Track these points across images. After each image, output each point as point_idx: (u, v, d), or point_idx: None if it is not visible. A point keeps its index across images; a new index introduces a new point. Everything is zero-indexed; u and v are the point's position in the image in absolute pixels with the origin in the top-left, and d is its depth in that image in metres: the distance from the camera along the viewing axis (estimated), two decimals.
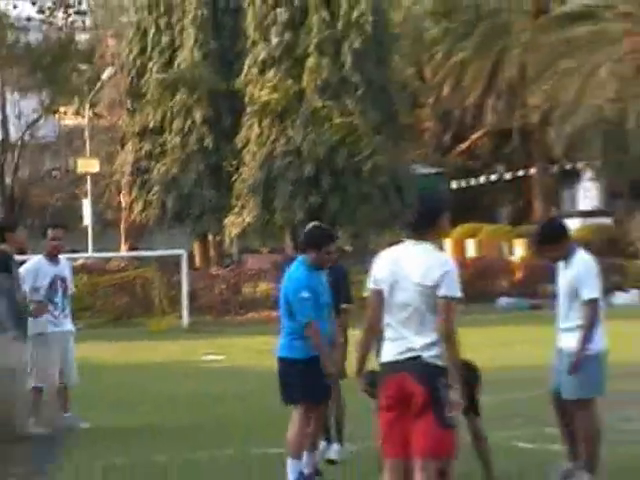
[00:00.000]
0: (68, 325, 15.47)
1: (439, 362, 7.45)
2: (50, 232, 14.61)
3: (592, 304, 10.30)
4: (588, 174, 55.74)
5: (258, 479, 11.47)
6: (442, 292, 7.31)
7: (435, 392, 7.34)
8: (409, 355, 7.45)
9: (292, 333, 10.69)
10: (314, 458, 11.01)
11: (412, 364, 7.42)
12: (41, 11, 54.58)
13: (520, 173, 55.83)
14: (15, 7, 54.12)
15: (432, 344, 7.43)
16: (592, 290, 10.30)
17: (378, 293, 7.66)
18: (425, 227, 7.64)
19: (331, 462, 11.38)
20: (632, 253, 46.00)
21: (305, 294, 10.50)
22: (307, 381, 10.41)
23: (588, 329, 10.34)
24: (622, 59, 47.50)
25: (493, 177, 57.20)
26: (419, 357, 7.43)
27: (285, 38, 43.50)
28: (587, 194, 59.11)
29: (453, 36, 54.08)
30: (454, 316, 7.51)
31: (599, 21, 49.14)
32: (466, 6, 54.77)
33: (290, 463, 10.80)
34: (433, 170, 54.23)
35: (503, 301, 40.39)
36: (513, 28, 52.36)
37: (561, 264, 10.72)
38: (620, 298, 39.76)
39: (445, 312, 7.40)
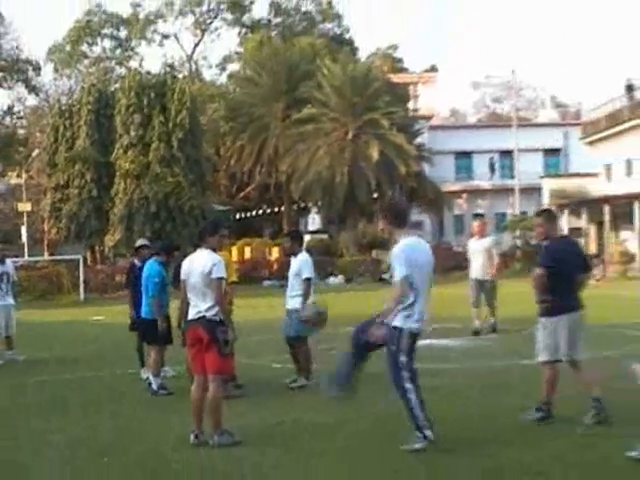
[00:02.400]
0: (10, 300, 21.94)
1: (216, 318, 11.70)
2: None
3: (308, 281, 15.86)
4: (314, 209, 72.05)
5: (123, 391, 16.19)
6: (213, 275, 11.61)
7: (214, 335, 11.60)
8: (199, 315, 11.76)
9: (147, 304, 16.27)
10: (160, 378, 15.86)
11: (200, 320, 11.75)
12: None
13: (276, 209, 72.23)
14: None
15: (211, 307, 11.67)
16: (309, 273, 15.94)
17: (184, 281, 12.11)
18: (204, 237, 12.23)
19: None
20: (339, 254, 61.55)
21: (156, 279, 16.17)
22: (157, 332, 15.72)
23: (305, 297, 15.74)
24: (331, 144, 65.04)
25: (260, 212, 73.06)
26: (204, 316, 11.70)
27: (139, 132, 57.61)
28: (314, 221, 73.57)
29: (236, 130, 70.16)
30: (222, 289, 11.79)
31: (319, 122, 66.23)
32: (243, 113, 70.43)
33: (152, 379, 15.95)
34: (225, 208, 68.61)
35: (266, 283, 52.26)
36: (270, 126, 69.28)
37: (293, 258, 16.45)
38: (332, 280, 55.87)
39: (216, 288, 11.66)
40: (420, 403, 10.86)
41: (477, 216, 54.15)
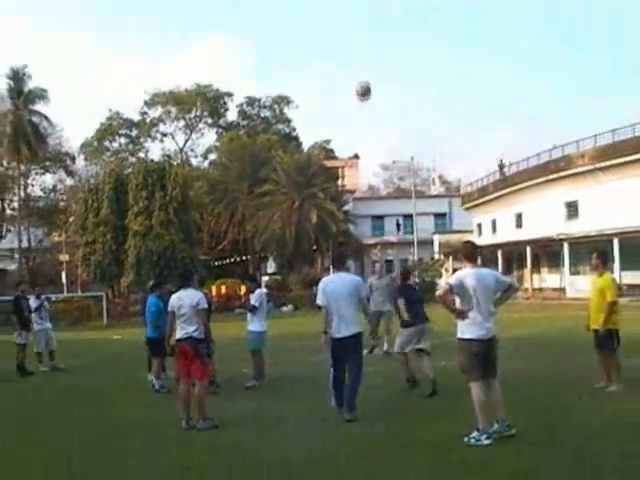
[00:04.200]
0: (48, 324, 21.38)
1: (200, 336, 11.53)
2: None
3: (253, 310, 15.42)
4: (271, 257, 73.21)
5: (134, 389, 15.98)
6: (199, 307, 11.54)
7: (198, 350, 11.47)
8: (187, 335, 11.49)
9: (149, 326, 16.18)
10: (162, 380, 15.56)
11: (188, 339, 11.49)
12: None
13: (244, 258, 73.01)
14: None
15: (196, 330, 11.45)
16: (256, 302, 15.53)
17: (172, 312, 11.78)
18: (187, 280, 11.99)
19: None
20: (290, 290, 60.26)
21: (152, 308, 15.97)
22: (159, 348, 15.02)
23: (256, 316, 15.51)
24: (282, 211, 65.21)
25: (233, 260, 74.17)
26: (191, 336, 11.47)
27: (145, 203, 57.13)
28: (271, 266, 75.86)
29: (214, 201, 70.71)
30: (204, 316, 11.75)
31: (274, 195, 66.51)
32: (219, 189, 70.87)
33: (155, 381, 15.67)
34: (207, 257, 69.36)
35: (237, 310, 45.59)
36: (239, 198, 69.81)
37: (251, 294, 15.93)
38: (284, 309, 53.67)
39: (201, 315, 11.58)
40: (336, 385, 11.83)
41: (387, 262, 54.78)
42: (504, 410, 9.80)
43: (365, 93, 14.67)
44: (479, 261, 10.52)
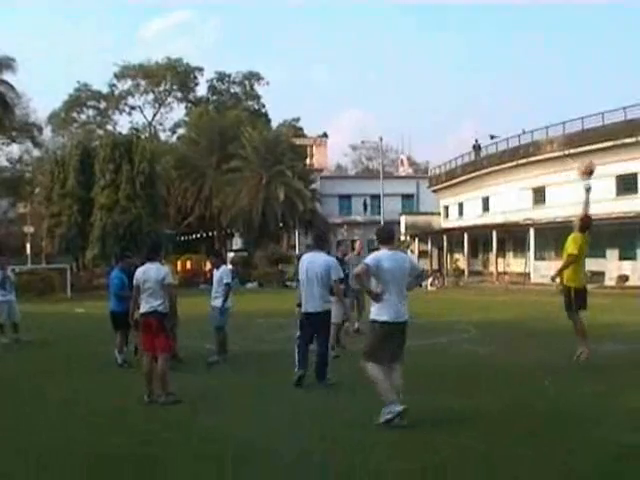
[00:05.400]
0: (12, 297, 21.05)
1: (165, 311, 11.59)
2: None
3: (227, 286, 15.61)
4: (237, 234, 72.04)
5: (96, 364, 15.63)
6: (166, 281, 11.59)
7: (162, 324, 11.56)
8: (152, 309, 11.51)
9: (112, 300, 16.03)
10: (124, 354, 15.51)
11: (153, 313, 11.51)
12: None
13: (210, 234, 71.31)
14: None
15: (161, 304, 11.50)
16: (228, 279, 15.68)
17: (137, 285, 11.66)
18: (154, 254, 11.95)
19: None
20: (255, 267, 60.88)
21: (115, 280, 15.85)
22: (122, 321, 14.78)
23: (225, 296, 15.57)
24: (250, 188, 64.31)
25: (199, 235, 72.07)
26: (156, 310, 11.50)
27: (112, 177, 56.38)
28: (237, 242, 74.13)
29: (182, 176, 69.11)
30: (171, 290, 11.86)
31: (242, 172, 65.57)
32: (187, 164, 69.77)
33: (117, 355, 15.60)
34: (172, 232, 68.25)
35: (201, 286, 48.13)
36: (207, 174, 68.36)
37: (216, 270, 16.10)
38: (249, 285, 54.93)
39: (166, 289, 11.60)
40: (299, 354, 12.51)
41: (353, 241, 54.86)
42: (401, 397, 9.67)
43: (590, 172, 14.68)
44: (395, 244, 10.48)
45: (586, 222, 14.05)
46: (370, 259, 9.89)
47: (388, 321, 9.69)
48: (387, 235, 10.34)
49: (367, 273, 9.86)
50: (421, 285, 12.31)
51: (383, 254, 9.92)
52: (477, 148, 70.07)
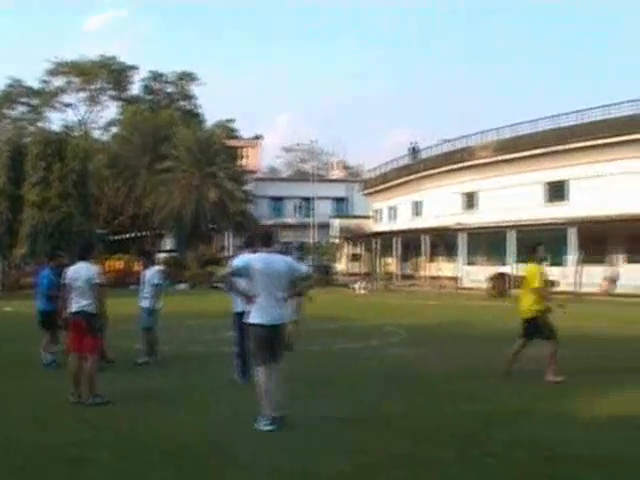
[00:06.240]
0: None
1: (93, 311, 11.47)
2: None
3: (157, 287, 15.49)
4: (169, 234, 71.58)
5: (22, 363, 15.39)
6: (95, 281, 11.44)
7: (90, 324, 11.40)
8: (80, 309, 11.38)
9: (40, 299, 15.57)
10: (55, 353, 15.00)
11: (81, 312, 11.40)
12: None
13: (141, 234, 70.91)
14: None
15: (90, 304, 11.39)
16: (158, 280, 15.59)
17: (68, 284, 11.66)
18: (86, 254, 11.94)
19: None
20: (186, 267, 59.70)
21: (44, 280, 15.47)
22: (50, 321, 14.57)
23: (155, 297, 15.67)
24: (182, 188, 64.49)
25: (130, 235, 70.86)
26: (84, 310, 11.34)
27: (43, 174, 55.23)
28: (167, 243, 73.71)
29: (114, 175, 69.10)
30: (98, 290, 11.60)
31: (174, 172, 65.64)
32: (120, 163, 69.46)
33: (44, 355, 15.34)
34: (104, 231, 66.22)
35: (131, 287, 41.83)
36: (139, 173, 68.36)
37: (147, 271, 15.94)
38: (180, 286, 54.35)
39: (96, 289, 11.50)
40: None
41: (285, 244, 55.02)
42: (283, 401, 9.76)
43: (615, 281, 14.85)
44: (274, 247, 10.29)
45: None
46: (240, 261, 10.01)
47: (261, 324, 9.60)
48: (264, 237, 10.29)
49: (234, 274, 9.94)
50: (312, 287, 12.30)
51: (256, 256, 9.91)
52: (414, 151, 70.91)
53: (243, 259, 9.96)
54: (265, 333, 9.60)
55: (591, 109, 50.29)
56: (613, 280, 15.78)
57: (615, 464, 8.01)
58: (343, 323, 25.32)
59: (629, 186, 45.40)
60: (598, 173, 47.96)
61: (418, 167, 67.31)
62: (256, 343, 9.67)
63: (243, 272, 9.76)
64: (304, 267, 10.74)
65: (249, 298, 9.72)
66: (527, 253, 13.95)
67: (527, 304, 13.20)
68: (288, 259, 10.28)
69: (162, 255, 61.14)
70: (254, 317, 9.66)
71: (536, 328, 13.22)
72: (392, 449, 8.64)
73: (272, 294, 9.61)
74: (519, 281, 44.93)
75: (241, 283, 10.01)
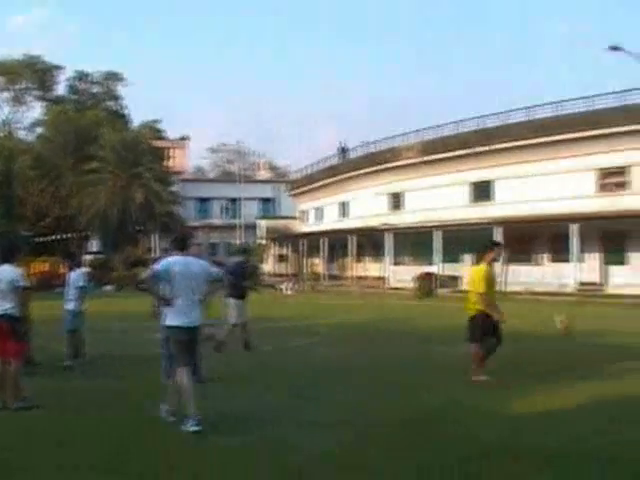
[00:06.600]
0: None
1: (16, 314, 11.22)
2: None
3: (82, 289, 15.46)
4: (95, 236, 70.72)
5: None
6: (19, 284, 11.17)
7: (13, 328, 11.19)
8: (3, 312, 11.12)
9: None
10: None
11: (4, 316, 11.12)
12: None
13: (67, 235, 68.87)
14: None
15: (13, 307, 11.16)
16: (83, 282, 15.52)
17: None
18: (10, 256, 11.56)
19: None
20: (112, 269, 59.26)
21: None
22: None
23: (79, 299, 15.49)
24: (108, 189, 64.11)
25: (55, 237, 68.07)
26: (7, 313, 11.12)
27: None
28: (93, 245, 72.94)
29: (39, 176, 66.92)
30: (22, 293, 11.31)
31: (100, 173, 64.56)
32: (45, 164, 67.80)
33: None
34: (29, 233, 64.48)
35: (57, 290, 38.85)
36: (65, 174, 67.64)
37: (72, 273, 15.78)
38: (106, 288, 53.45)
39: (19, 292, 11.27)
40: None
41: (211, 244, 54.74)
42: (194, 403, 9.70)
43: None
44: (191, 250, 10.50)
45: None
46: (160, 263, 9.93)
47: (178, 326, 9.69)
48: (181, 240, 10.34)
49: (155, 277, 9.91)
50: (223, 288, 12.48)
51: (175, 259, 9.94)
52: (343, 151, 71.06)
53: (162, 263, 9.89)
54: (184, 334, 9.69)
55: (513, 111, 51.12)
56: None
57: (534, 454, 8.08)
58: (278, 323, 25.47)
59: (551, 187, 46.34)
60: (521, 174, 48.77)
61: (344, 168, 67.70)
62: (176, 345, 9.75)
63: (163, 275, 9.81)
64: (216, 270, 10.79)
65: (167, 301, 9.78)
66: (478, 252, 13.98)
67: (471, 303, 13.30)
68: (203, 262, 10.42)
69: (88, 257, 60.37)
70: (172, 319, 9.76)
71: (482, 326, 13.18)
72: (319, 446, 8.68)
73: (189, 296, 9.73)
74: (445, 281, 45.80)
75: (160, 286, 10.06)
